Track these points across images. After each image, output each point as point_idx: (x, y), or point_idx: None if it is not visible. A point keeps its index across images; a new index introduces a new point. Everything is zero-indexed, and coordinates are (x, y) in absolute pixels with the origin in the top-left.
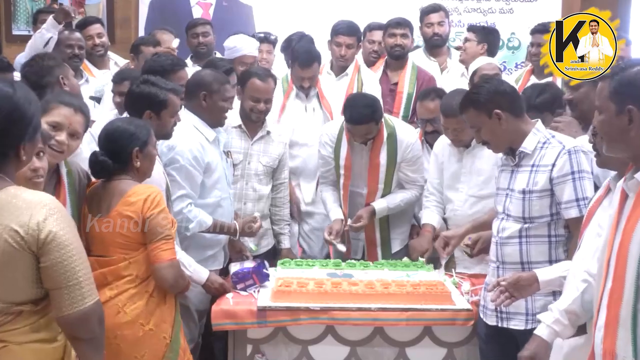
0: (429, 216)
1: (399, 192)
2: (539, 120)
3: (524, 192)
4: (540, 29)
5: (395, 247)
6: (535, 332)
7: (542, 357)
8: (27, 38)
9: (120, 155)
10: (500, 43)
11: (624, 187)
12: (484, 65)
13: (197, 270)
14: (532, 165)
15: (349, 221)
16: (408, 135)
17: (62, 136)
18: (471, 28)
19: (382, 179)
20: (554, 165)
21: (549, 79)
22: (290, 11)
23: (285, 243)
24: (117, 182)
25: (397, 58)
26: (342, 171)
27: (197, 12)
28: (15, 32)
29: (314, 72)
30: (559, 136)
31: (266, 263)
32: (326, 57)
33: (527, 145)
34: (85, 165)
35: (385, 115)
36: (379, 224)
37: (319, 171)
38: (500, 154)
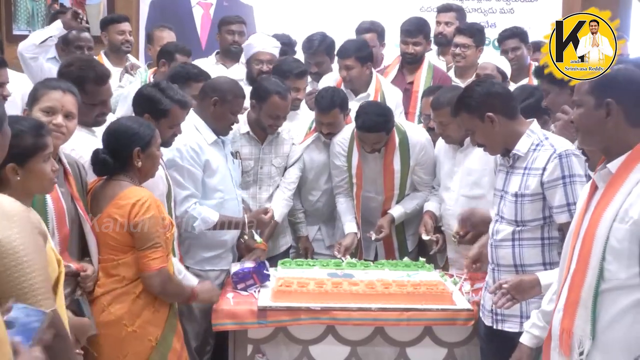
0: (429, 204)
1: (414, 195)
2: (535, 120)
3: (516, 195)
4: (507, 35)
5: (410, 246)
6: (520, 339)
7: None
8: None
9: (121, 154)
10: None
11: (595, 179)
12: (484, 65)
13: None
14: (525, 168)
15: (373, 235)
16: (421, 137)
17: (58, 119)
18: (467, 31)
19: (397, 185)
20: (544, 169)
21: (525, 81)
22: (291, 11)
23: (303, 231)
24: (114, 183)
25: (409, 63)
26: (354, 180)
27: (197, 12)
28: (15, 32)
29: (334, 118)
30: (552, 138)
31: (267, 263)
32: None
33: (520, 147)
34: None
35: (396, 121)
36: (395, 228)
37: (333, 181)
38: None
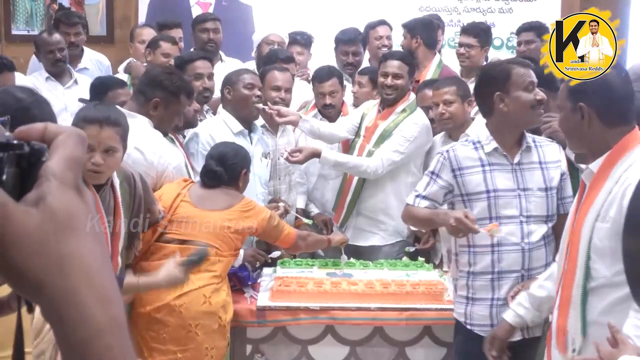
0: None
1: (359, 157)
2: None
3: (546, 189)
4: (524, 27)
5: (375, 241)
6: (503, 315)
7: (502, 337)
8: (26, 38)
9: (232, 171)
10: (500, 43)
11: (583, 177)
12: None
13: None
14: (540, 162)
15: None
16: (418, 117)
17: (96, 157)
18: (471, 31)
19: (374, 138)
20: (560, 160)
21: None
22: (290, 11)
23: (314, 209)
24: (229, 191)
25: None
26: (362, 132)
27: (196, 12)
28: (14, 32)
29: (334, 86)
30: (538, 136)
31: (249, 267)
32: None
33: (528, 141)
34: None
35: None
36: (352, 193)
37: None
38: (479, 153)
